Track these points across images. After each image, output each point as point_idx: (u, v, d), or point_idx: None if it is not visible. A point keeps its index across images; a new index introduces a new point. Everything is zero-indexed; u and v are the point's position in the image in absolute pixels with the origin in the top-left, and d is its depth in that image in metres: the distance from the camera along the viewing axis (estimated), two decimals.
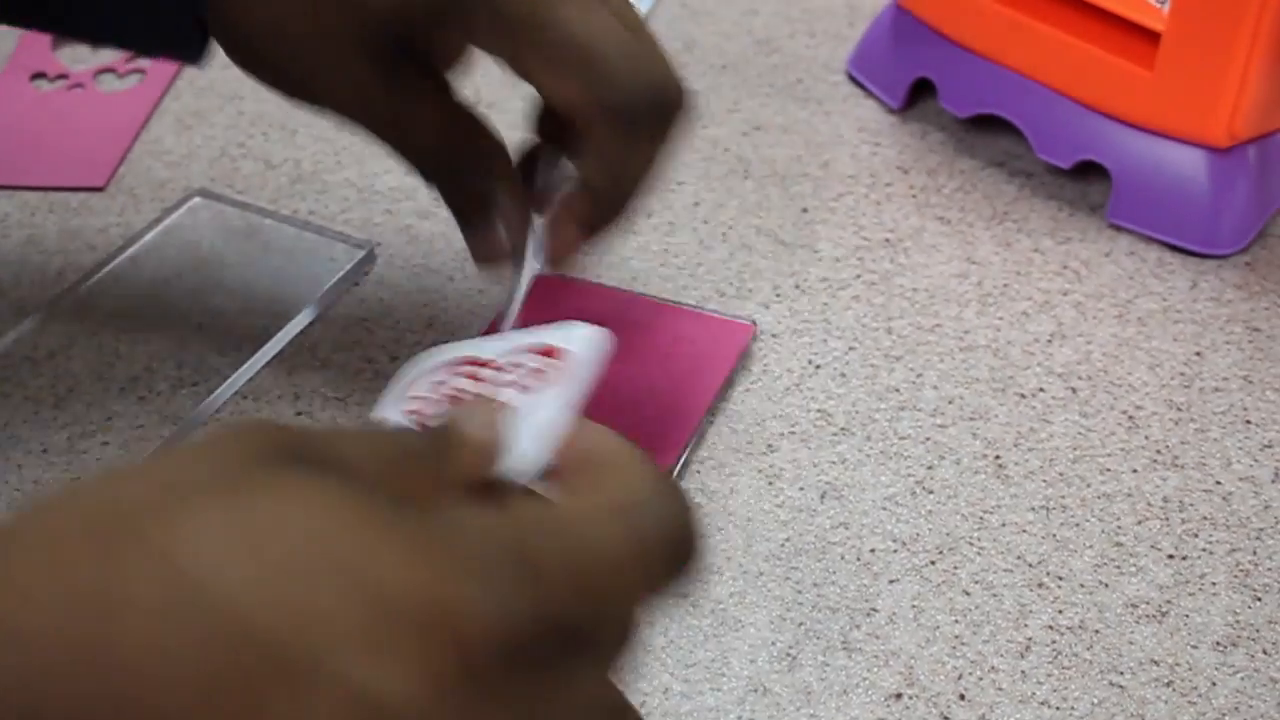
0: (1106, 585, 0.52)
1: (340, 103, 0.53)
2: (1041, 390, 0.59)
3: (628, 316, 0.61)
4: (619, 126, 0.50)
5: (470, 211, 0.55)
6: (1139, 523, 0.54)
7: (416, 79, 0.53)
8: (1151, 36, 0.64)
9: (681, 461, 0.55)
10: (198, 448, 0.29)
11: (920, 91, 0.74)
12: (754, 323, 0.61)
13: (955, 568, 0.52)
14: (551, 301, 0.61)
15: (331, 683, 0.26)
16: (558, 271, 0.55)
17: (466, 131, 0.54)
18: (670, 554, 0.31)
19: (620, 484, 0.32)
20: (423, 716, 0.26)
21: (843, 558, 0.52)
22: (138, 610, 0.25)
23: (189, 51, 0.55)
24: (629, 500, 0.31)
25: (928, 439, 0.57)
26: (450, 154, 0.54)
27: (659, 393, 0.57)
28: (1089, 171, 0.68)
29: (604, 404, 0.56)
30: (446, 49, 0.54)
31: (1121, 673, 0.49)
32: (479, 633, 0.27)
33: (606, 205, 0.53)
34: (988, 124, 0.72)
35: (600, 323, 0.59)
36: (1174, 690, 0.48)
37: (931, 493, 0.55)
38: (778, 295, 0.63)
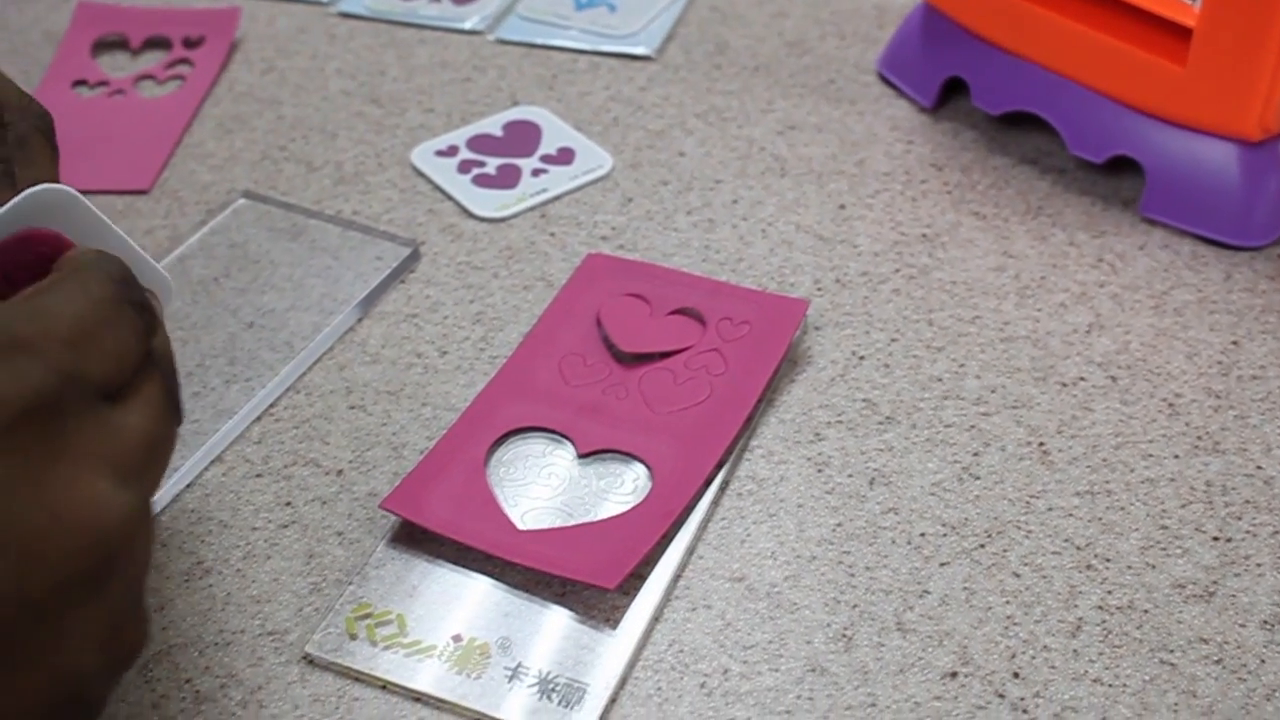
0: (1154, 567, 0.52)
1: None
2: (1082, 379, 0.60)
3: (685, 296, 0.62)
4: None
5: None
6: (1183, 506, 0.55)
7: None
8: (1183, 32, 0.65)
9: (734, 444, 0.56)
10: None
11: (951, 90, 0.75)
12: (809, 299, 0.62)
13: (1004, 550, 0.53)
14: (610, 277, 0.63)
15: None
16: None
17: None
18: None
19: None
20: None
21: (893, 541, 0.53)
22: None
23: None
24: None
25: (972, 427, 0.58)
26: None
27: (718, 373, 0.58)
28: (1121, 167, 0.69)
29: (662, 386, 0.57)
30: None
31: (1171, 651, 0.50)
32: (5, 406, 0.34)
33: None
34: (1019, 121, 0.73)
35: (656, 302, 0.60)
36: (1224, 668, 0.49)
37: (978, 478, 0.56)
38: (819, 289, 0.64)
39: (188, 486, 0.56)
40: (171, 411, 0.41)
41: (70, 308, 0.38)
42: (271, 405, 0.59)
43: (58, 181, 0.45)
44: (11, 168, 0.47)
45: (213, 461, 0.57)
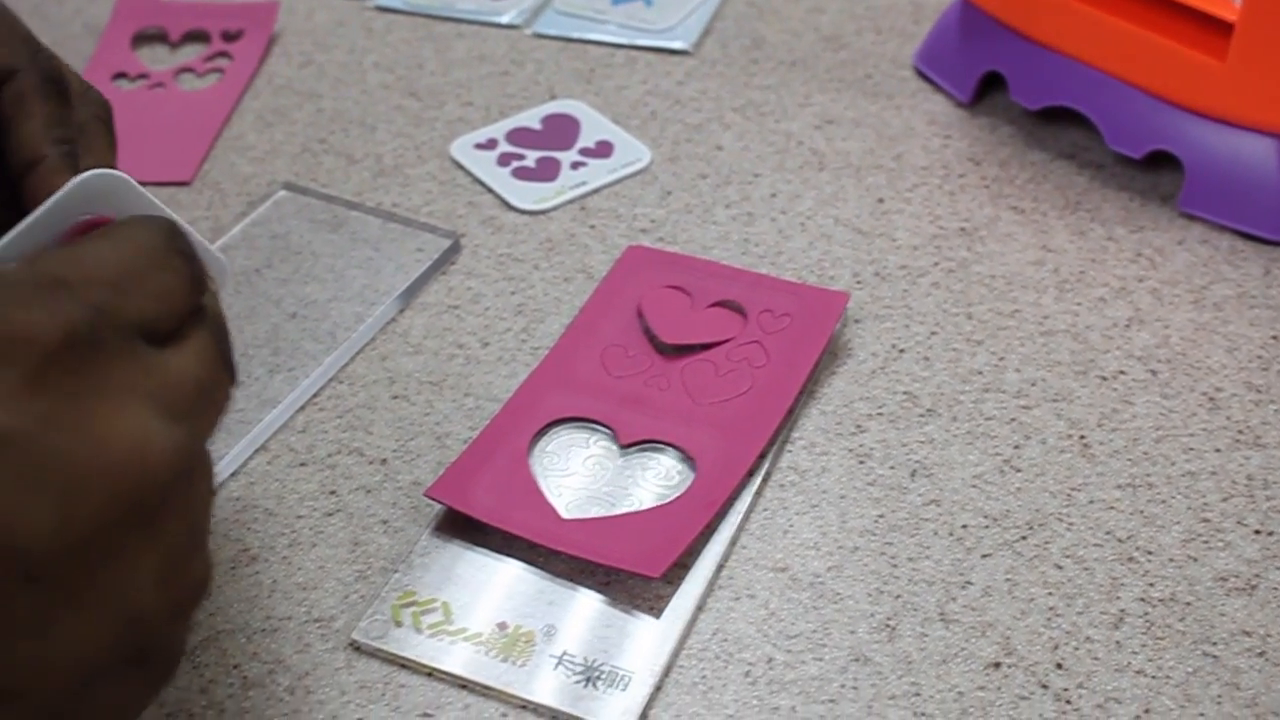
0: (1195, 560, 0.53)
1: None
2: (1122, 373, 0.60)
3: (726, 288, 0.62)
4: (48, 79, 0.50)
5: None
6: (1224, 500, 0.55)
7: None
8: (1224, 27, 0.65)
9: (776, 435, 0.56)
10: None
11: (989, 85, 0.75)
12: (849, 292, 0.62)
13: (1046, 543, 0.53)
14: (651, 269, 0.63)
15: None
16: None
17: None
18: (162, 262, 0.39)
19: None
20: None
21: (935, 533, 0.54)
22: None
23: None
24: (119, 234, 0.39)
25: (1013, 420, 0.58)
26: None
27: (759, 365, 0.58)
28: (1159, 162, 0.69)
29: (704, 377, 0.57)
30: None
31: (1214, 643, 0.50)
32: (42, 341, 0.34)
33: (74, 164, 0.52)
34: (1057, 116, 0.73)
35: (697, 294, 0.61)
36: (1267, 660, 0.49)
37: (1019, 471, 0.56)
38: (858, 282, 0.64)
39: (233, 475, 0.57)
40: (223, 364, 0.40)
41: (113, 253, 0.38)
42: (315, 395, 0.60)
43: (115, 168, 0.45)
44: (75, 149, 0.47)
45: (257, 450, 0.58)
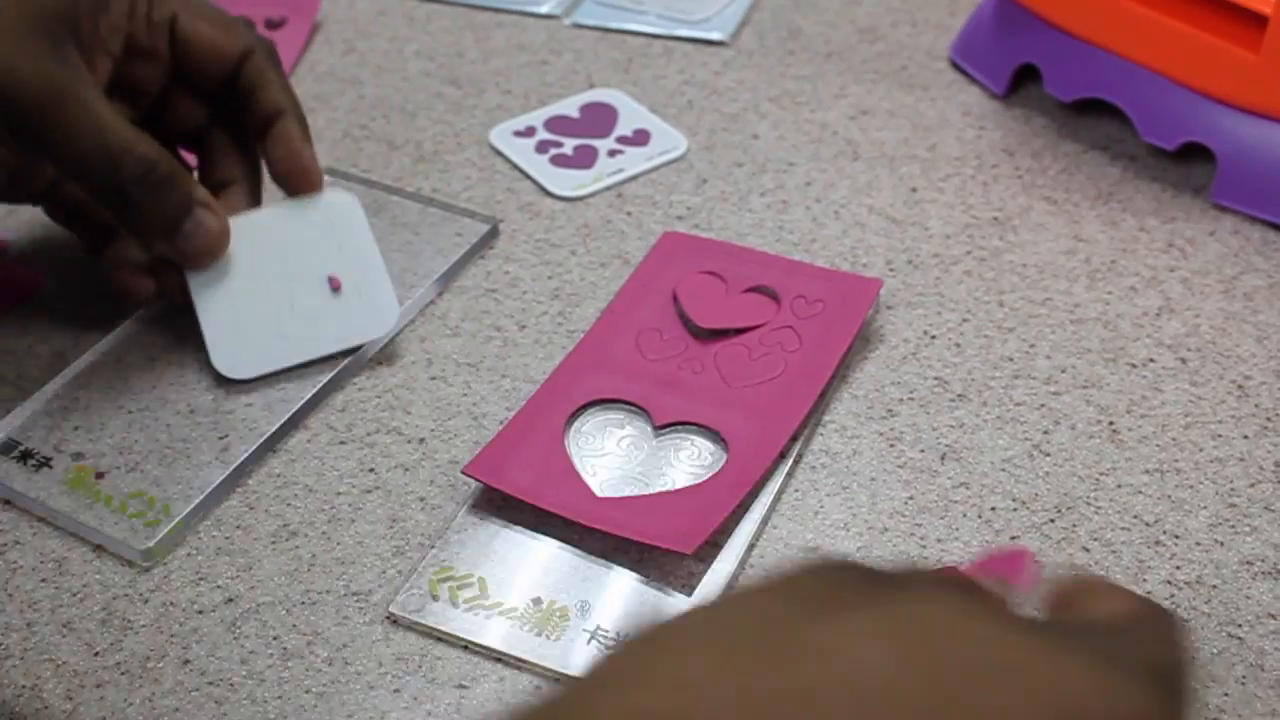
0: (1222, 544, 0.53)
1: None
2: (1152, 360, 0.61)
3: (760, 274, 0.63)
4: (268, 57, 0.61)
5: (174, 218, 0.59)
6: (1252, 485, 0.55)
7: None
8: (1258, 20, 0.66)
9: (808, 419, 0.57)
10: (800, 577, 0.31)
11: (1023, 77, 0.76)
12: (882, 279, 0.63)
13: (1074, 526, 0.54)
14: (686, 255, 0.64)
15: None
16: (308, 188, 0.62)
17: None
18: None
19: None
20: None
21: (964, 515, 0.54)
22: (816, 703, 0.27)
23: None
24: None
25: (1042, 405, 0.59)
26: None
27: (792, 350, 0.59)
28: (1191, 154, 0.70)
29: (738, 361, 0.58)
30: (110, 26, 0.57)
31: (1239, 625, 0.50)
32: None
33: (301, 115, 0.62)
34: (1090, 109, 0.73)
35: (732, 279, 0.62)
36: None
37: (1048, 455, 0.57)
38: (891, 269, 0.65)
39: (273, 451, 0.58)
40: None
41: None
42: (355, 375, 0.61)
43: (287, 102, 0.61)
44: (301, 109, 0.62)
45: (298, 428, 0.59)
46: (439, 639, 0.51)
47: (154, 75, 0.60)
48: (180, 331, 0.62)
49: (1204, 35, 0.67)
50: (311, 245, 0.62)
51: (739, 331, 0.61)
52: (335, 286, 0.62)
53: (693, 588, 0.52)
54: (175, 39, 0.60)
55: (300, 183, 0.62)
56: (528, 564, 0.53)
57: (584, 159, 0.72)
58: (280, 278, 0.62)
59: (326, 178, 0.63)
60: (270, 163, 0.62)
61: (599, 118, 0.75)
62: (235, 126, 0.63)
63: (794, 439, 0.57)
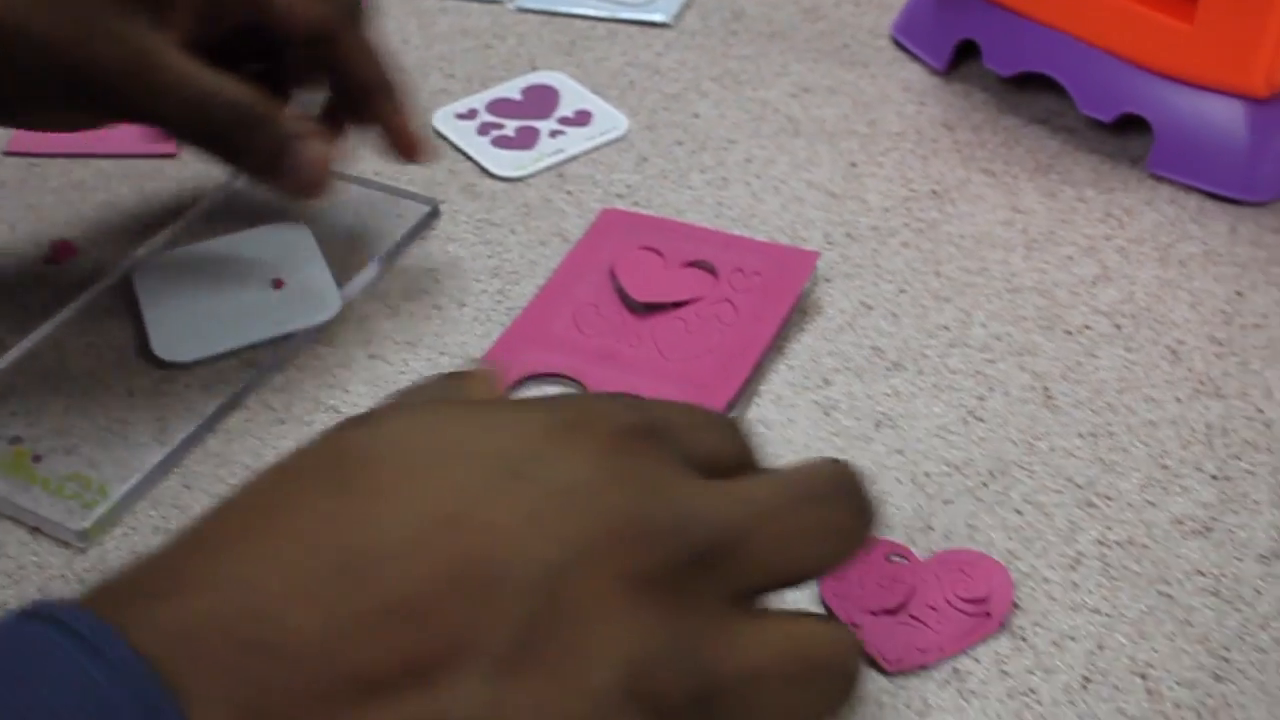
0: (1153, 504, 0.54)
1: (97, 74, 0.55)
2: (1087, 327, 0.61)
3: (698, 249, 0.63)
4: (361, 29, 0.60)
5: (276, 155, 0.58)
6: (1184, 447, 0.56)
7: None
8: None
9: (743, 389, 0.57)
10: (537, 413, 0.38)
11: (963, 53, 0.76)
12: (819, 251, 0.63)
13: (1007, 489, 0.54)
14: (625, 231, 0.64)
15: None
16: (421, 159, 0.63)
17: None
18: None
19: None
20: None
21: (898, 480, 0.55)
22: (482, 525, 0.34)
23: None
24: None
25: (978, 373, 0.59)
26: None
27: (729, 322, 0.59)
28: (1129, 126, 0.70)
29: (674, 334, 0.59)
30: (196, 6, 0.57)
31: (1169, 583, 0.51)
32: (614, 421, 0.38)
33: (399, 89, 0.62)
34: (1030, 83, 0.74)
35: (670, 254, 0.62)
36: (1220, 599, 0.50)
37: (983, 421, 0.57)
38: (829, 242, 0.65)
39: (211, 432, 0.58)
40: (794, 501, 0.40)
41: (684, 410, 0.42)
42: (293, 355, 0.61)
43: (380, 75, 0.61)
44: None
45: (236, 408, 0.59)
46: None
47: (230, 34, 0.60)
48: (120, 318, 0.62)
49: (1139, 7, 0.68)
50: (258, 259, 0.64)
51: (676, 305, 0.61)
52: (278, 286, 0.63)
53: None
54: (267, 12, 0.59)
55: (405, 157, 0.63)
56: None
57: (525, 140, 0.72)
58: (224, 276, 0.63)
59: None
60: (367, 128, 0.63)
61: (541, 99, 0.75)
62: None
63: (730, 409, 0.57)
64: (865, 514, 0.40)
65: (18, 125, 0.60)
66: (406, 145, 0.63)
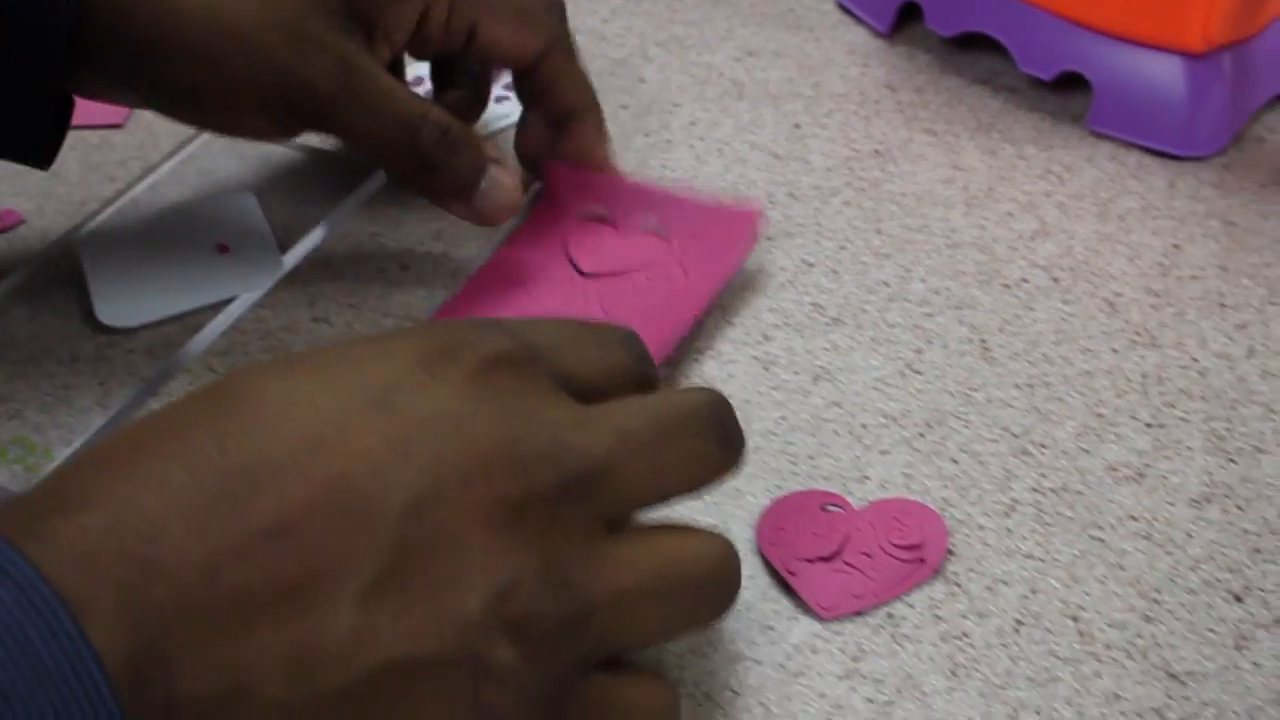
0: (1088, 452, 0.54)
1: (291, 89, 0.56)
2: (1025, 281, 0.62)
3: (643, 204, 0.63)
4: (568, 52, 0.62)
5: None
6: (1119, 396, 0.56)
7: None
8: None
9: (681, 345, 0.58)
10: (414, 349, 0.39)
11: (907, 16, 0.76)
12: (761, 210, 0.63)
13: (943, 439, 0.55)
14: (575, 191, 0.64)
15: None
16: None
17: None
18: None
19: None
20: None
21: (835, 433, 0.55)
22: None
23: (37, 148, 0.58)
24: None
25: (916, 326, 0.59)
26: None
27: (676, 283, 0.60)
28: (1070, 85, 0.71)
29: (620, 295, 0.59)
30: (396, 21, 0.58)
31: (1101, 528, 0.51)
32: (482, 350, 0.39)
33: (598, 111, 0.64)
34: (972, 44, 0.74)
35: (622, 224, 0.62)
36: (1152, 542, 0.51)
37: (920, 374, 0.57)
38: (771, 202, 0.66)
39: (154, 395, 0.58)
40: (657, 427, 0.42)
41: (554, 327, 0.44)
42: (237, 318, 0.61)
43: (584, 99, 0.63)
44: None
45: (180, 371, 0.59)
46: None
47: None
48: (65, 286, 0.63)
49: None
50: (203, 225, 0.65)
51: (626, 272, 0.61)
52: (223, 251, 0.63)
53: None
54: (473, 43, 0.60)
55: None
56: None
57: None
58: (169, 243, 0.63)
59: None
60: (564, 155, 0.64)
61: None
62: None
63: (670, 365, 0.57)
64: (733, 445, 0.42)
65: (207, 127, 0.60)
66: (598, 168, 0.64)
